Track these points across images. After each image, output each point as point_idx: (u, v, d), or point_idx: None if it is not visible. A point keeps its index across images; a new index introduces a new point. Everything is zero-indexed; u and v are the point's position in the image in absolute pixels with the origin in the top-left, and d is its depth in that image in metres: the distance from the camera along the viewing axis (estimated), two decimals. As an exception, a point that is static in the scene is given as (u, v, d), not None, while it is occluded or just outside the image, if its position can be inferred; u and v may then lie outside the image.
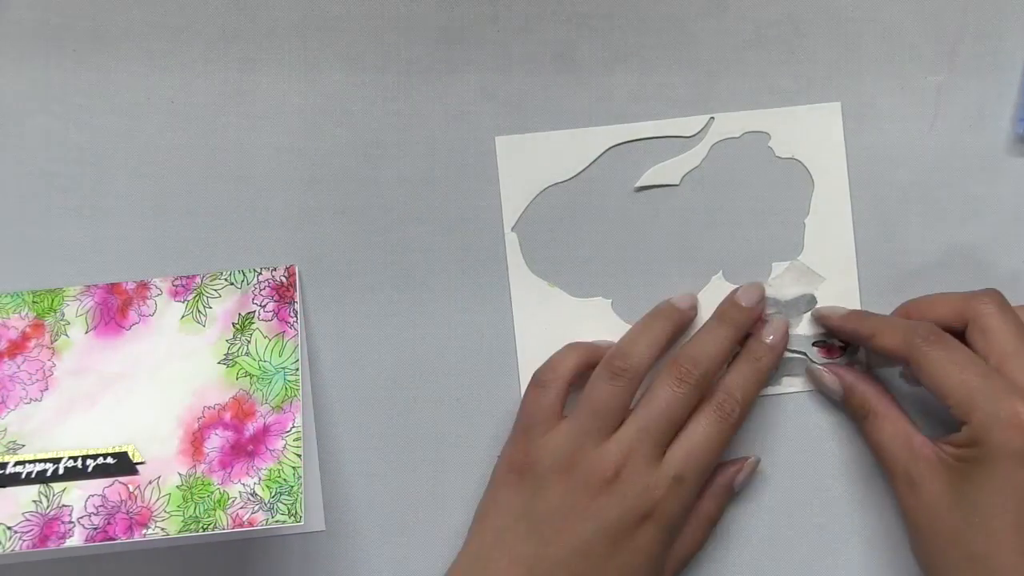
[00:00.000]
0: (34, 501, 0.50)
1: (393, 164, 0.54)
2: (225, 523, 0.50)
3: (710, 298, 0.53)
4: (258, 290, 0.53)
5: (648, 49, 0.54)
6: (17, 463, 0.51)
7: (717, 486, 0.52)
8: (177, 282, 0.53)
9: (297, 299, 0.52)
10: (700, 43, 0.54)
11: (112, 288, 0.53)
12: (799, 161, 0.53)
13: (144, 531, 0.50)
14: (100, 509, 0.50)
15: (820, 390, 0.53)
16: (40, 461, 0.51)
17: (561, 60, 0.54)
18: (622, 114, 0.54)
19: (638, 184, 0.53)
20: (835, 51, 0.54)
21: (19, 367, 0.52)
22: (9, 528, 0.50)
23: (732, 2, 0.54)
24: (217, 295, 0.53)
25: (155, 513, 0.50)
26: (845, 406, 0.53)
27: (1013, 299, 0.53)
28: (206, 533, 0.50)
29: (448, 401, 0.54)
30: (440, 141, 0.54)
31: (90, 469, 0.51)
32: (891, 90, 0.54)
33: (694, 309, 0.53)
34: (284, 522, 0.49)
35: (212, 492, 0.50)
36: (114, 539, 0.50)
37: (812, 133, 0.53)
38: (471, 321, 0.54)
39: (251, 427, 0.51)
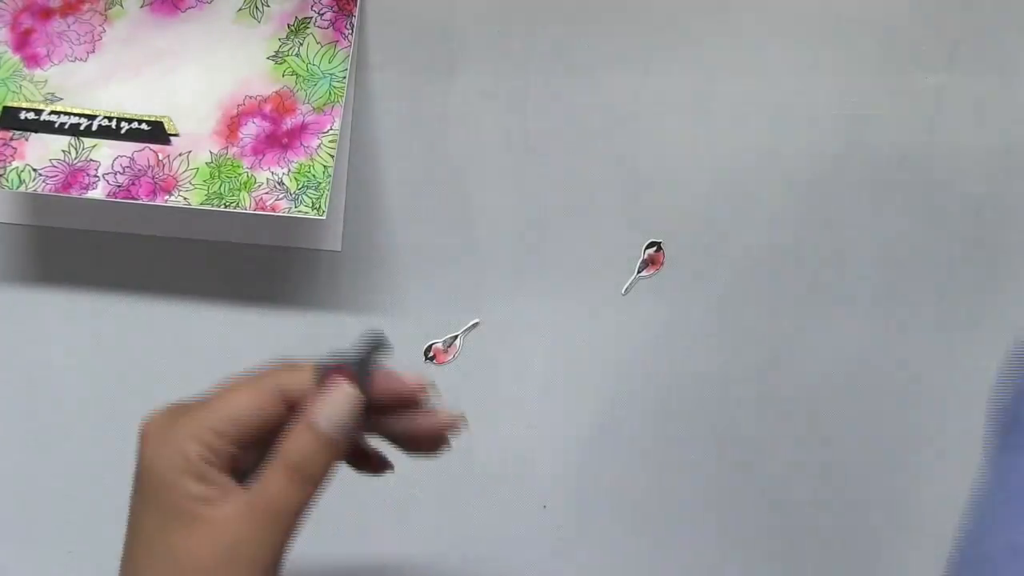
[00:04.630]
0: (63, 151, 0.51)
1: (393, 164, 0.55)
2: (248, 204, 0.50)
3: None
4: None
5: (648, 50, 0.53)
6: (52, 112, 0.52)
7: None
8: (239, -21, 0.54)
9: (356, 12, 0.53)
10: (701, 44, 0.53)
11: (174, -29, 0.54)
12: None
13: (167, 197, 0.51)
14: (127, 169, 0.51)
15: None
16: (75, 115, 0.52)
17: (561, 60, 0.54)
18: (623, 115, 0.54)
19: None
20: (835, 51, 0.53)
21: (69, 26, 0.53)
22: (35, 170, 0.51)
23: (732, 2, 0.53)
24: (275, -1, 0.53)
25: (180, 183, 0.51)
26: None
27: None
28: (227, 210, 0.50)
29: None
30: (440, 141, 0.54)
31: (123, 131, 0.51)
32: (891, 90, 0.53)
33: None
34: (307, 214, 0.50)
35: (240, 174, 0.51)
36: (136, 199, 0.51)
37: None
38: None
39: (289, 122, 0.52)
